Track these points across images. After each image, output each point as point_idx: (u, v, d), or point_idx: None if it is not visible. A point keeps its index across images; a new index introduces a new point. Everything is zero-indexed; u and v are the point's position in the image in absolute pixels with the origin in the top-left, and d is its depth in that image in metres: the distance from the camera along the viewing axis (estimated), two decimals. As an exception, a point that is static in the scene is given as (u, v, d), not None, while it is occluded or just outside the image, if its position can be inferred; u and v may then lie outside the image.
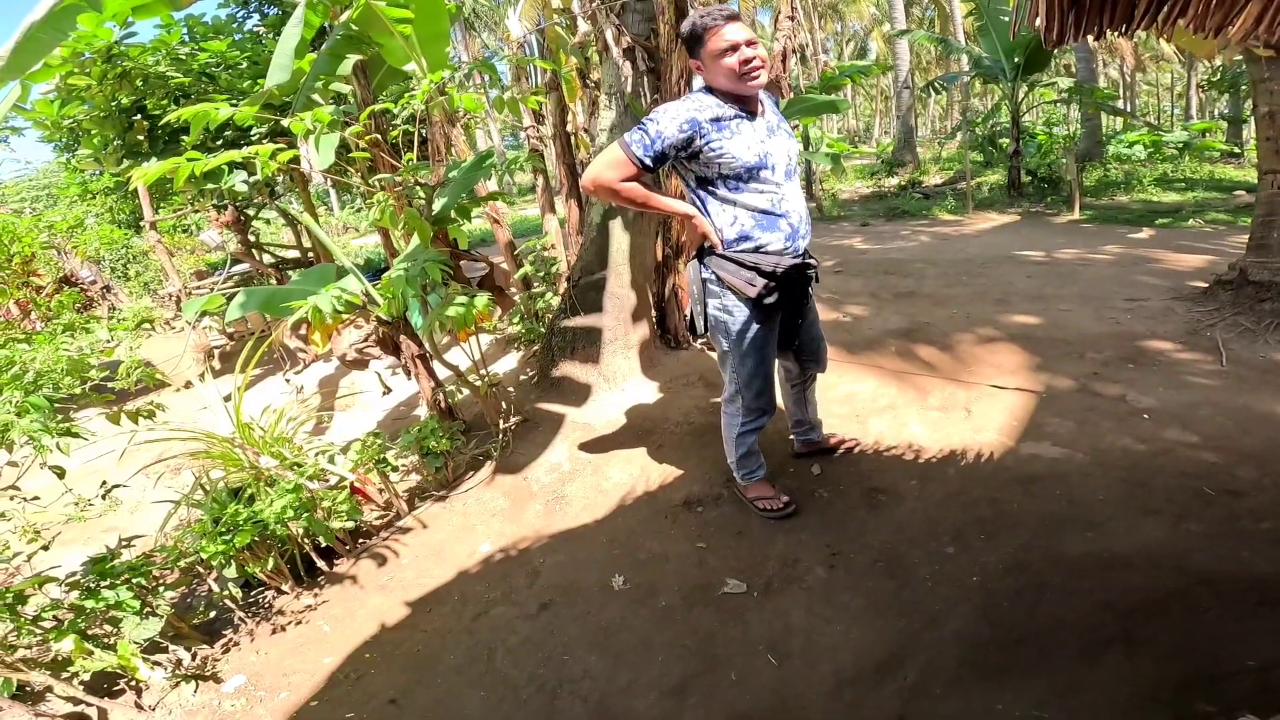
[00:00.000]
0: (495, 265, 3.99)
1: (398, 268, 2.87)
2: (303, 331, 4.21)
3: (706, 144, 2.03)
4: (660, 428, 3.35)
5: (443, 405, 3.38)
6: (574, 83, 4.24)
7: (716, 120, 2.03)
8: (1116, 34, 1.61)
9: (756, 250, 2.16)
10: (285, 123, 2.61)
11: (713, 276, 2.24)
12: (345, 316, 3.13)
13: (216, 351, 6.01)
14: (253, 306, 3.12)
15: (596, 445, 3.29)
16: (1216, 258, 5.79)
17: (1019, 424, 3.04)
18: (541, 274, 4.50)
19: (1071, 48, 14.30)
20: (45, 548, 2.26)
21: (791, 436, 2.96)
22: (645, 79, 3.38)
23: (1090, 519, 2.34)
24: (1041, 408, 3.18)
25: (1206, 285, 4.62)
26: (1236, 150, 14.16)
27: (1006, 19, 10.65)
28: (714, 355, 3.98)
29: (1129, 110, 22.72)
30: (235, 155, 2.62)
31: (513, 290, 4.85)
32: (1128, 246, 6.85)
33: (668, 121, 2.02)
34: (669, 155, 2.05)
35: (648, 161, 2.04)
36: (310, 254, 5.81)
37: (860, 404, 3.37)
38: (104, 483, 2.59)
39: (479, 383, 3.40)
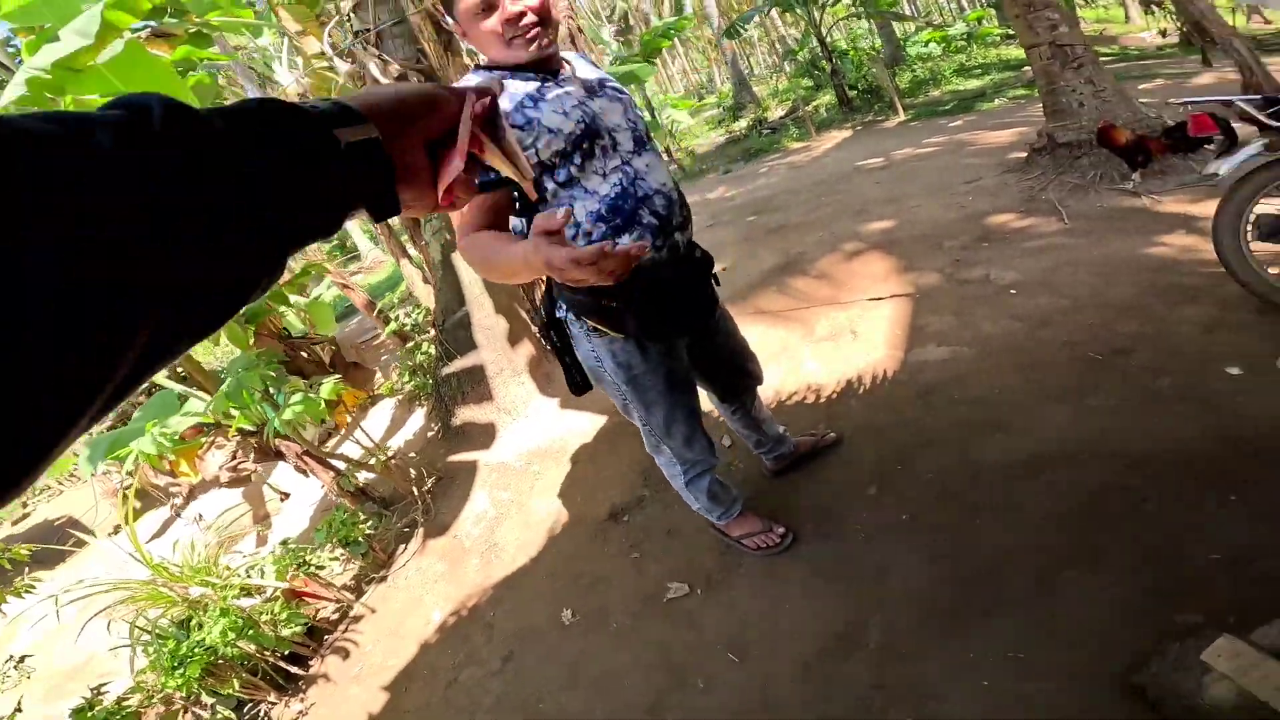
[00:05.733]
0: (338, 342, 3.57)
1: (227, 379, 2.44)
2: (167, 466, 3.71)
3: (511, 125, 1.26)
4: (571, 444, 3.05)
5: (352, 490, 3.07)
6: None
7: (508, 91, 1.30)
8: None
9: None
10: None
11: (569, 314, 1.49)
12: (204, 439, 2.72)
13: (123, 492, 5.33)
14: (99, 456, 2.81)
15: (515, 483, 2.99)
16: (1025, 129, 5.79)
17: (903, 332, 2.84)
18: (411, 324, 4.04)
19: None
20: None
21: (757, 454, 2.24)
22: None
23: (996, 419, 2.13)
24: (919, 308, 2.99)
25: (1025, 154, 4.58)
26: (1011, 32, 14.73)
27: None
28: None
29: (913, 14, 23.37)
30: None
31: (387, 345, 4.38)
32: (950, 135, 6.84)
33: None
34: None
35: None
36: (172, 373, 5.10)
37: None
38: (11, 656, 2.49)
39: (374, 461, 3.03)
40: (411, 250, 4.25)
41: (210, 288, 0.31)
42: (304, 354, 3.99)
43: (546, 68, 1.34)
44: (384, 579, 2.83)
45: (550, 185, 1.32)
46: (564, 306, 1.49)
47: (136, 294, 0.27)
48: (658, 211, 1.37)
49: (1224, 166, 2.13)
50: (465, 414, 3.43)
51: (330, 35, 3.60)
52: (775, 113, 14.45)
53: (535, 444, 3.18)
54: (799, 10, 11.16)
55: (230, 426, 2.58)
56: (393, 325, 4.05)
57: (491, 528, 2.79)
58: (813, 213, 5.14)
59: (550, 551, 2.51)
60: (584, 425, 3.13)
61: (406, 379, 4.04)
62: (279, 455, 3.01)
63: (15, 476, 0.25)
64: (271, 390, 2.65)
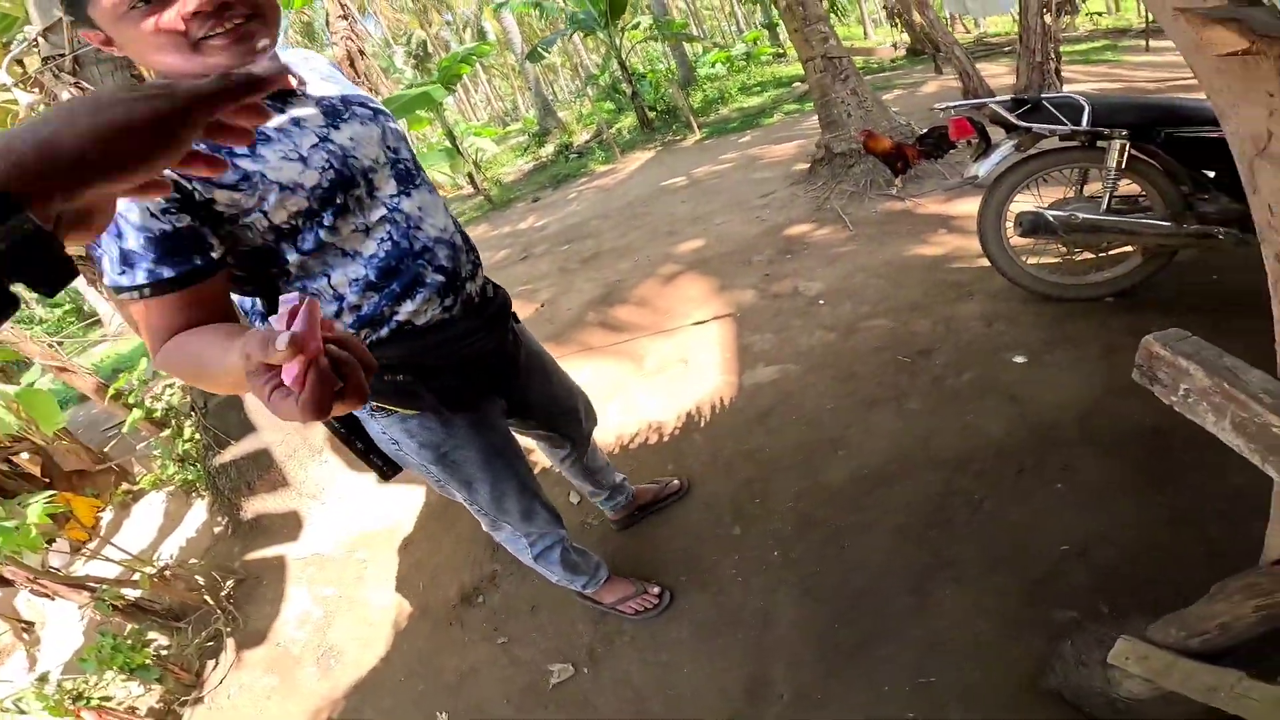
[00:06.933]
0: (49, 447, 2.77)
1: None
2: None
3: (218, 184, 0.84)
4: (399, 522, 2.58)
5: (121, 608, 2.40)
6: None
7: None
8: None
9: (396, 333, 1.04)
10: None
11: None
12: None
13: None
14: None
15: (340, 575, 2.47)
16: (804, 141, 6.26)
17: (732, 355, 2.77)
18: (165, 408, 3.23)
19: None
20: None
21: (595, 504, 2.04)
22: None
23: (833, 436, 2.09)
24: (741, 328, 2.95)
25: (809, 166, 4.87)
26: (781, 51, 16.32)
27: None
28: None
29: (701, 35, 25.08)
30: None
31: (142, 430, 3.50)
32: (740, 151, 7.21)
33: None
34: (184, 239, 0.83)
35: (163, 272, 0.82)
36: None
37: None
38: None
39: (139, 576, 2.37)
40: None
41: None
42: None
43: None
44: (200, 700, 2.25)
45: (293, 256, 0.92)
46: None
47: None
48: (442, 265, 1.04)
49: (983, 168, 2.26)
50: (256, 505, 2.81)
51: (13, 63, 2.76)
52: (580, 137, 14.51)
53: (355, 529, 2.67)
54: (600, 35, 11.26)
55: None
56: (137, 412, 3.19)
57: (321, 629, 2.31)
58: (625, 237, 5.06)
59: (401, 648, 2.10)
60: (411, 499, 2.68)
61: (171, 471, 3.22)
62: (4, 582, 2.24)
63: None
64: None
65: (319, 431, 2.83)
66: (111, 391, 3.40)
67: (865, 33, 18.09)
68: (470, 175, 10.60)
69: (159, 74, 0.86)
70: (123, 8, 0.77)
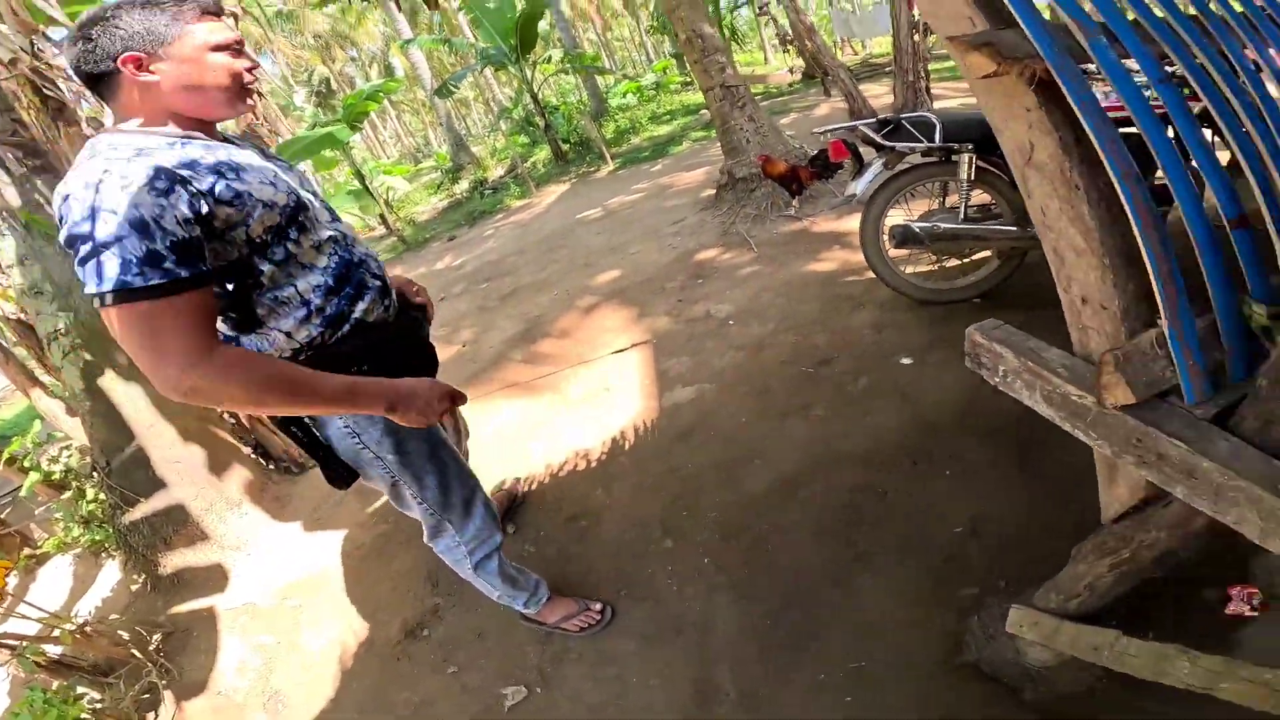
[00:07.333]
0: None
1: None
2: None
3: (220, 200, 1.02)
4: (331, 567, 2.51)
5: (44, 665, 2.31)
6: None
7: (197, 162, 1.03)
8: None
9: (354, 330, 1.24)
10: None
11: None
12: None
13: None
14: None
15: (275, 623, 2.39)
16: (710, 167, 6.51)
17: (652, 380, 2.88)
18: (64, 469, 3.02)
19: (554, 22, 15.17)
20: None
21: None
22: (38, 180, 2.30)
23: (750, 449, 2.22)
24: (659, 353, 3.07)
25: (715, 191, 5.10)
26: (689, 80, 16.84)
27: (493, 5, 10.34)
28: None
29: (612, 67, 25.59)
30: None
31: (39, 495, 3.24)
32: (652, 180, 7.44)
33: (127, 201, 0.91)
34: (196, 247, 0.98)
35: (181, 272, 0.95)
36: None
37: (512, 433, 2.89)
38: None
39: (59, 632, 2.28)
40: (45, 377, 3.18)
41: None
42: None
43: (214, 133, 1.17)
44: (144, 753, 2.10)
45: (266, 267, 1.12)
46: None
47: None
48: (375, 273, 1.31)
49: (859, 186, 2.49)
50: (175, 560, 2.68)
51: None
52: (495, 172, 14.39)
53: (285, 578, 2.59)
54: (511, 69, 11.26)
55: None
56: (35, 475, 2.98)
57: (263, 676, 2.24)
58: (543, 271, 5.11)
59: (350, 687, 2.06)
60: (341, 544, 2.62)
61: (77, 533, 3.02)
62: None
63: None
64: None
65: (235, 483, 2.71)
66: (5, 455, 3.15)
67: (766, 58, 18.97)
68: (382, 215, 10.35)
69: (179, 109, 1.06)
70: (224, 45, 1.07)
